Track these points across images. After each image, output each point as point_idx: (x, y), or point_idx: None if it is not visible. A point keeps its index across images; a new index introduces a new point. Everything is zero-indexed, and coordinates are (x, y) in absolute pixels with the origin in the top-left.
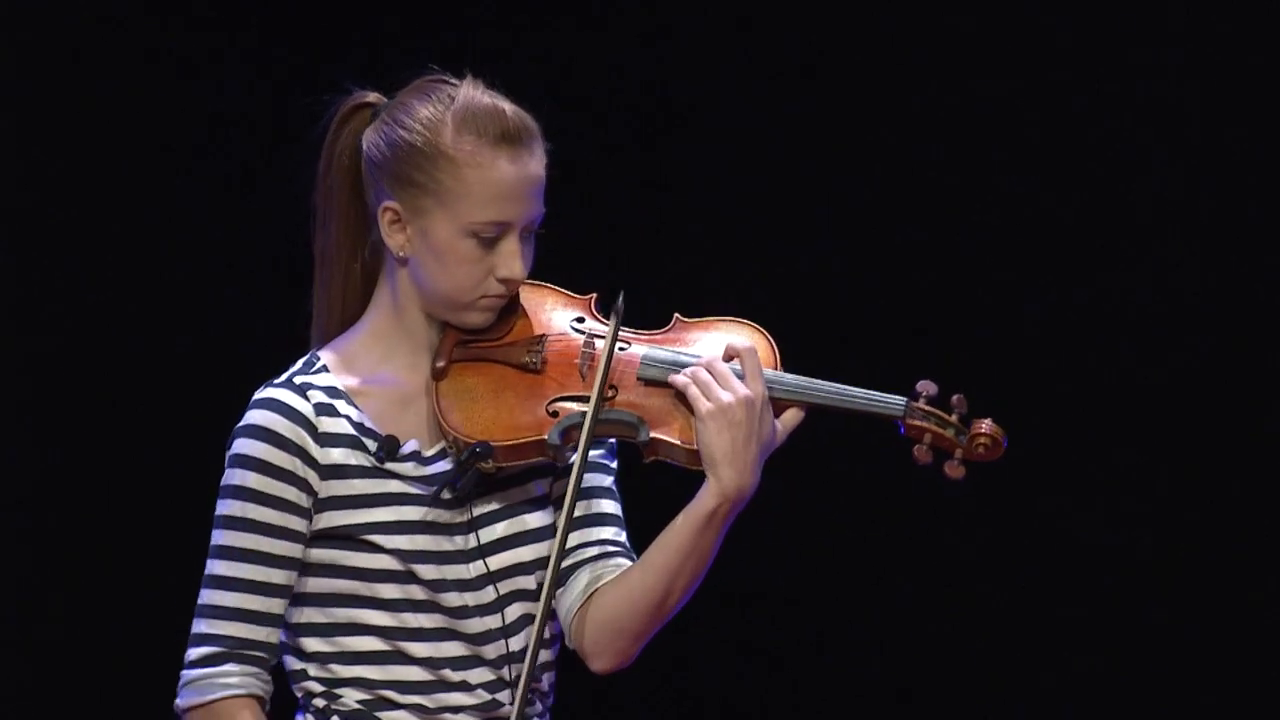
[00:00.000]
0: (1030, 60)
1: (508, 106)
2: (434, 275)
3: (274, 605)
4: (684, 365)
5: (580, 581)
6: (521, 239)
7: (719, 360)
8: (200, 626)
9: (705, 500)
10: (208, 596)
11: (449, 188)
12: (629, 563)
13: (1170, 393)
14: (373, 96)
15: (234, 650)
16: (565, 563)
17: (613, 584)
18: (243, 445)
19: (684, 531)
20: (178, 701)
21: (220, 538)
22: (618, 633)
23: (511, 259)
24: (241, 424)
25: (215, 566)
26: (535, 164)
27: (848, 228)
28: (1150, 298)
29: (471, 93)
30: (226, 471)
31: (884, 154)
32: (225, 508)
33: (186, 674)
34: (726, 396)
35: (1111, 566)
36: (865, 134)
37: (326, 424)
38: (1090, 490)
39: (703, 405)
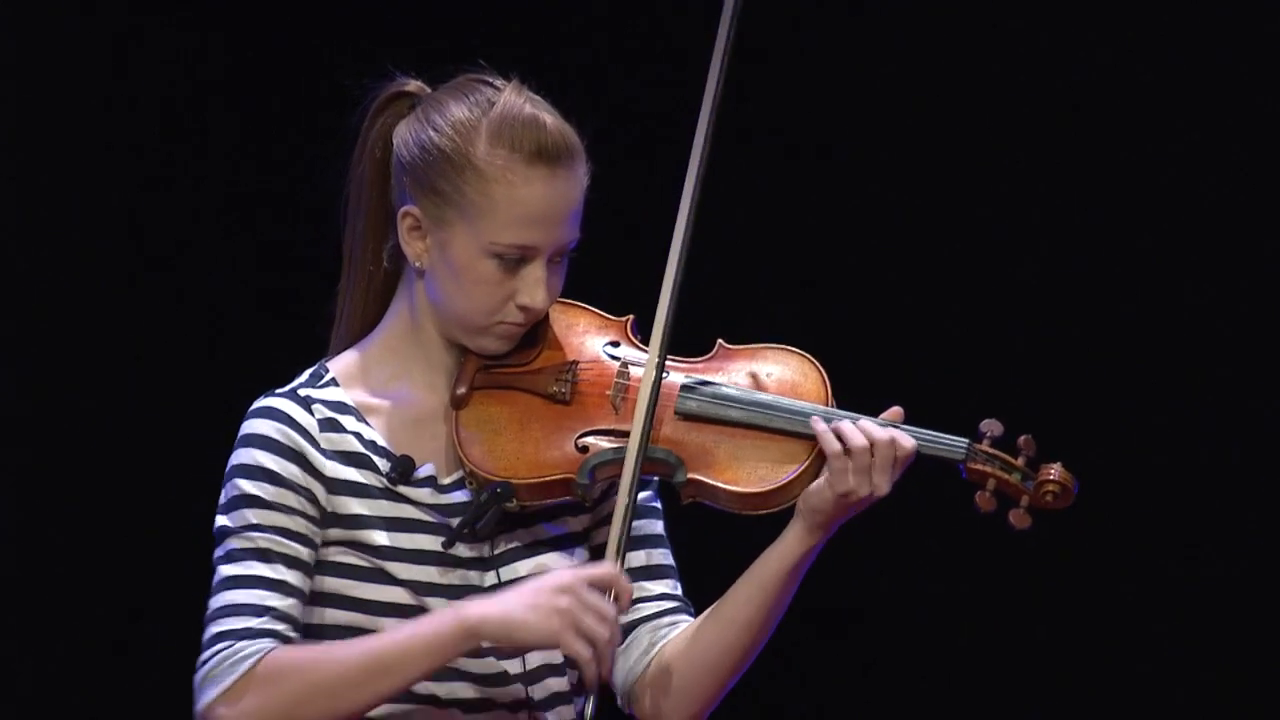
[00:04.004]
0: (1094, 97)
1: (550, 119)
2: (449, 293)
3: (293, 607)
4: (729, 399)
5: (641, 642)
6: (550, 264)
7: (884, 435)
8: (212, 630)
9: (794, 548)
10: (220, 599)
11: (474, 202)
12: (689, 618)
13: (1255, 437)
14: (413, 85)
15: (251, 634)
16: (622, 620)
17: (684, 644)
18: (241, 456)
19: (772, 584)
20: (197, 708)
21: (227, 545)
22: (692, 698)
23: (535, 287)
24: (239, 436)
25: (226, 570)
26: (572, 187)
27: (914, 253)
28: (1232, 339)
29: (513, 100)
30: (225, 486)
31: (953, 176)
32: (228, 519)
33: (201, 672)
34: (866, 489)
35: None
36: (929, 155)
37: (331, 440)
38: (1166, 538)
39: (847, 480)
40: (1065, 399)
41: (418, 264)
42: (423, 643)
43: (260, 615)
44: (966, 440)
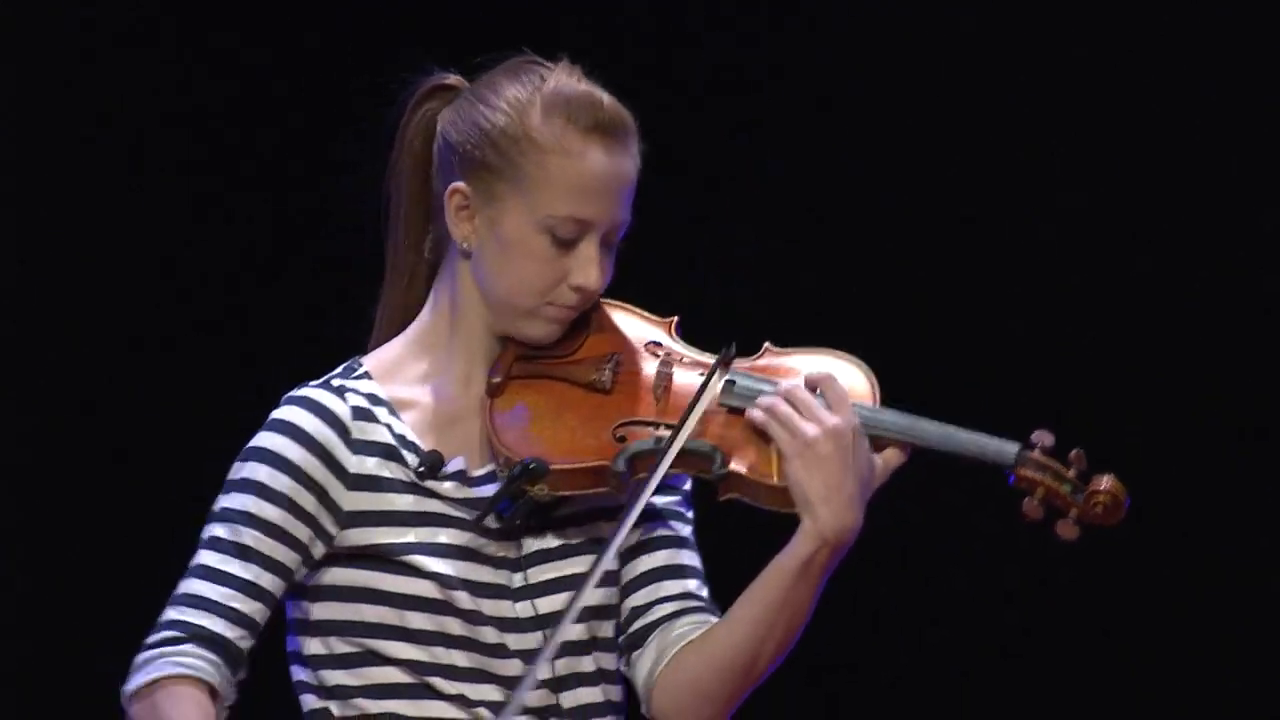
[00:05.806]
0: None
1: (604, 96)
2: (497, 272)
3: (258, 611)
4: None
5: (661, 641)
6: (602, 245)
7: (799, 389)
8: (170, 614)
9: (800, 546)
10: (188, 586)
11: (529, 174)
12: (713, 619)
13: None
14: (453, 79)
15: (202, 638)
16: (641, 622)
17: (696, 643)
18: (262, 439)
19: (776, 582)
20: (124, 688)
21: (216, 529)
22: (702, 698)
23: (588, 265)
24: (268, 420)
25: (205, 557)
26: (628, 162)
27: (971, 255)
28: None
29: (565, 78)
30: (236, 464)
31: (1011, 177)
32: (227, 500)
33: (138, 657)
34: (811, 429)
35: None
36: (984, 165)
37: (363, 429)
38: (1226, 560)
39: (786, 441)
40: (1119, 417)
41: (465, 245)
42: None
43: (222, 618)
44: (1018, 445)
